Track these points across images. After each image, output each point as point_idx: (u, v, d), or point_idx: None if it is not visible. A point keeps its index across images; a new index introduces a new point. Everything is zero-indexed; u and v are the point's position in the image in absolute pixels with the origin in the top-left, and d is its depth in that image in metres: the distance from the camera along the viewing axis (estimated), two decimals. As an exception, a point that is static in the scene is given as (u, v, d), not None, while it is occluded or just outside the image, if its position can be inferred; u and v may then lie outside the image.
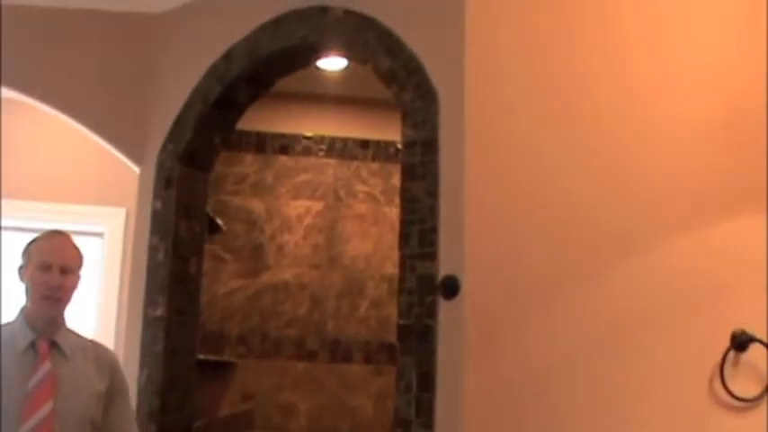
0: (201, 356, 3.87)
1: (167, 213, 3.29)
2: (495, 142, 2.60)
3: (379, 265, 4.44)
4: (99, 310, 4.03)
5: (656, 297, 2.54)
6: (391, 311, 4.37)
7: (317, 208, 4.46)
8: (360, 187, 4.50)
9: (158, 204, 3.32)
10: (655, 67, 2.67)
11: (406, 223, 2.66)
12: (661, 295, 2.54)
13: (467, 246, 2.52)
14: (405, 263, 2.64)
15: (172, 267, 3.25)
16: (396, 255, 4.48)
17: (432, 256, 2.57)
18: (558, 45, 2.64)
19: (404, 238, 2.66)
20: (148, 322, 3.25)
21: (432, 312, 2.54)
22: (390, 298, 4.38)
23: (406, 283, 2.62)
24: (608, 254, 2.57)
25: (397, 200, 4.65)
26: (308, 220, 4.44)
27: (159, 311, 3.22)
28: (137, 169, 3.49)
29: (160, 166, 3.36)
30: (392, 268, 4.41)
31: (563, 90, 2.63)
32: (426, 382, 2.51)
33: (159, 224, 3.30)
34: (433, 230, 2.59)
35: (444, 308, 2.53)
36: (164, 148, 3.37)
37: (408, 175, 2.69)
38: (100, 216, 4.08)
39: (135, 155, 3.45)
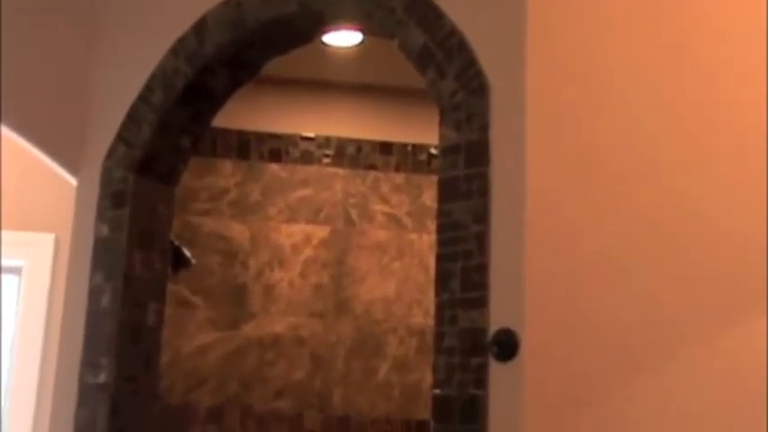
0: (160, 438, 3.91)
1: (116, 242, 3.32)
2: (568, 148, 2.64)
3: (405, 313, 4.47)
4: (11, 376, 4.06)
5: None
6: (421, 377, 4.38)
7: (320, 235, 4.49)
8: (378, 207, 4.54)
9: (103, 229, 3.36)
10: (732, 57, 2.74)
11: (444, 258, 2.68)
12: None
13: (528, 290, 2.55)
14: (442, 312, 2.66)
15: (121, 317, 3.27)
16: (428, 300, 4.49)
17: (480, 303, 2.59)
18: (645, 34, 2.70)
19: (441, 278, 2.68)
20: (86, 394, 3.26)
21: (480, 380, 2.55)
22: (420, 358, 4.39)
23: (445, 339, 2.64)
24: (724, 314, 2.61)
25: (429, 224, 4.81)
26: (307, 252, 4.47)
27: (102, 378, 3.24)
28: (72, 180, 3.52)
29: (106, 177, 3.40)
30: (422, 317, 4.43)
31: (652, 87, 2.69)
32: (473, 477, 2.52)
33: (104, 257, 3.33)
34: (482, 269, 2.61)
35: (497, 373, 2.55)
36: (111, 153, 3.41)
37: (447, 191, 2.71)
38: (17, 244, 4.12)
39: (69, 160, 3.49)
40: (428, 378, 4.27)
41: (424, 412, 4.28)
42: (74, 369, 3.31)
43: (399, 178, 4.56)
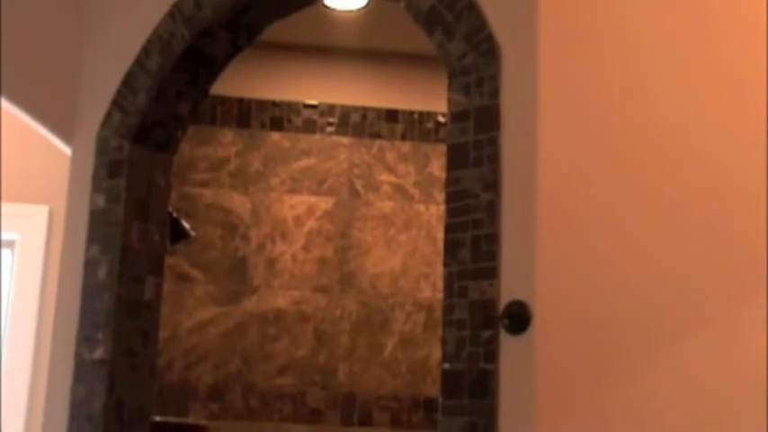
0: (159, 418, 3.88)
1: (113, 213, 3.32)
2: (581, 114, 2.62)
3: (412, 287, 4.47)
4: (5, 352, 4.07)
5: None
6: (429, 353, 4.39)
7: (323, 206, 4.49)
8: (384, 177, 4.53)
9: (99, 200, 3.35)
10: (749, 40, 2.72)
11: (453, 228, 2.67)
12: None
13: (539, 260, 2.54)
14: (451, 283, 2.65)
15: (118, 291, 3.27)
16: (436, 273, 4.51)
17: (490, 273, 2.59)
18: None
19: (450, 248, 2.67)
20: (83, 369, 3.27)
21: (490, 353, 2.55)
22: (428, 334, 4.39)
23: (454, 311, 2.63)
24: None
25: (437, 195, 4.81)
26: (310, 224, 4.47)
27: (99, 354, 3.24)
28: (66, 150, 3.51)
29: (101, 146, 3.39)
30: (430, 291, 4.43)
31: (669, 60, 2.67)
32: (482, 454, 2.52)
33: (101, 229, 3.33)
34: (492, 238, 2.60)
35: (508, 347, 2.54)
36: (107, 121, 3.40)
37: (456, 159, 2.70)
38: (10, 217, 4.13)
39: (63, 128, 3.48)
40: (436, 354, 4.29)
41: (432, 389, 4.29)
42: (70, 344, 3.31)
43: (406, 147, 4.56)
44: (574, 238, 2.58)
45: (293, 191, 4.49)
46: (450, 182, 2.70)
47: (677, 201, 2.63)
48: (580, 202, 2.59)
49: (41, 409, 3.33)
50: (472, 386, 2.57)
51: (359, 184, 4.53)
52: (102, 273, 3.30)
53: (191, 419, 4.29)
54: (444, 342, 2.65)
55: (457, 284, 2.65)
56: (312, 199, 4.50)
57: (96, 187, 3.37)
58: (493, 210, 2.61)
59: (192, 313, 4.38)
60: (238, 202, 4.47)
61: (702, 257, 2.60)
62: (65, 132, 3.48)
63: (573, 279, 2.56)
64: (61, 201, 3.53)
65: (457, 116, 2.72)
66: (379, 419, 4.39)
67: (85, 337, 3.29)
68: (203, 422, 4.29)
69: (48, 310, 3.72)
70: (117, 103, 3.39)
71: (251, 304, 4.41)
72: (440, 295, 3.98)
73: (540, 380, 2.51)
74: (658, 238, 2.59)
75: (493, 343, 2.56)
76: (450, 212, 2.69)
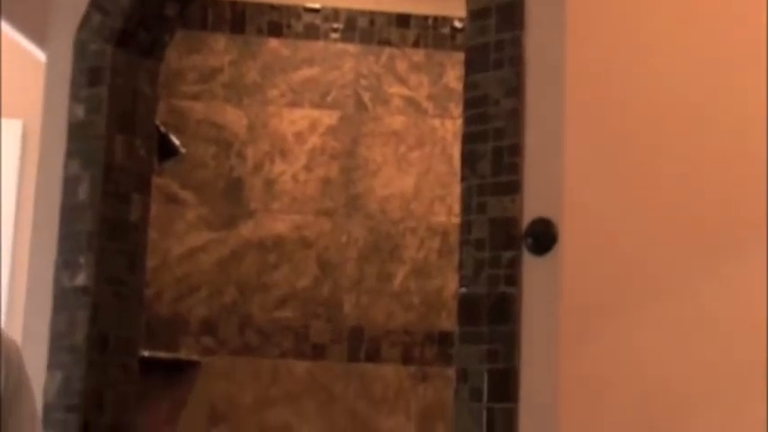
0: (147, 353, 3.90)
1: (93, 125, 3.30)
2: (613, 9, 2.60)
3: (425, 210, 4.46)
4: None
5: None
6: (444, 283, 4.39)
7: (327, 121, 4.47)
8: (394, 89, 4.50)
9: (78, 111, 3.33)
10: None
11: (471, 138, 2.68)
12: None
13: (567, 173, 2.54)
14: (469, 199, 2.66)
15: (101, 211, 3.26)
16: (452, 195, 4.50)
17: (512, 188, 2.59)
18: None
19: (468, 160, 2.68)
20: (63, 297, 3.27)
21: (512, 276, 2.56)
22: (443, 262, 4.39)
23: (472, 230, 2.64)
24: None
25: (453, 108, 4.77)
26: (313, 141, 4.46)
27: (81, 280, 3.24)
28: (40, 55, 3.49)
29: (80, 51, 3.36)
30: (445, 215, 4.43)
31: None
32: (503, 386, 2.54)
33: (80, 142, 3.32)
34: (515, 149, 2.60)
35: (531, 268, 2.55)
36: (85, 22, 3.36)
37: (475, 62, 2.69)
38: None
39: (35, 30, 3.46)
40: (452, 284, 4.28)
41: (447, 322, 4.29)
42: (48, 270, 3.31)
43: (418, 55, 4.51)
44: (605, 149, 2.58)
45: (293, 104, 4.46)
46: (468, 87, 2.71)
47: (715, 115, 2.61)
48: (612, 109, 2.58)
49: (19, 340, 3.32)
50: (492, 312, 2.59)
51: (366, 97, 4.49)
52: (83, 191, 3.29)
53: (182, 355, 4.31)
54: (461, 264, 2.67)
55: (476, 200, 2.65)
56: (314, 113, 4.46)
57: (75, 97, 3.34)
58: (515, 118, 2.60)
59: (182, 239, 4.38)
60: (233, 117, 4.44)
61: (735, 179, 2.58)
62: (37, 35, 3.47)
63: (603, 195, 2.57)
64: (36, 114, 3.53)
65: (476, 14, 2.71)
66: (389, 355, 4.39)
67: (65, 263, 3.29)
68: (196, 358, 4.33)
69: (23, 233, 3.72)
70: (96, 3, 3.36)
71: (247, 229, 4.40)
72: (456, 219, 3.96)
73: (566, 305, 2.53)
74: (696, 152, 2.57)
75: (515, 265, 2.57)
76: (469, 121, 2.70)
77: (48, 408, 3.20)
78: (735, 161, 2.56)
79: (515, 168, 2.59)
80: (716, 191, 2.55)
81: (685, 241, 2.53)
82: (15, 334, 3.41)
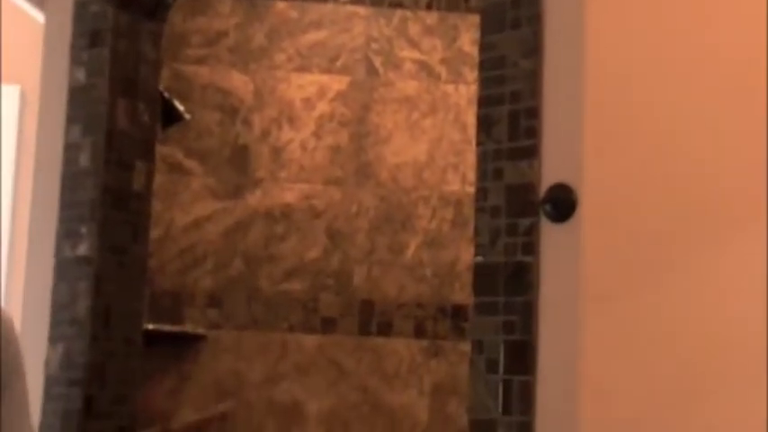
0: (151, 326, 3.92)
1: (95, 90, 3.29)
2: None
3: (438, 179, 4.45)
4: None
5: None
6: (458, 255, 4.39)
7: (336, 87, 4.46)
8: (407, 53, 4.49)
9: (79, 75, 3.33)
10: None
11: (487, 101, 2.67)
12: None
13: (587, 137, 2.54)
14: (485, 165, 2.65)
15: (104, 179, 3.26)
16: (466, 163, 4.48)
17: (530, 153, 2.58)
18: None
19: (484, 124, 2.67)
20: (64, 268, 3.27)
21: (529, 244, 2.56)
22: (457, 232, 4.39)
23: (488, 197, 2.63)
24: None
25: (468, 73, 4.74)
26: (322, 107, 4.45)
27: (82, 250, 3.24)
28: (39, 16, 3.50)
29: (80, 12, 3.35)
30: (459, 184, 4.42)
31: None
32: (520, 358, 2.54)
33: (82, 107, 3.31)
34: (533, 113, 2.59)
35: (550, 236, 2.55)
36: (86, -17, 3.36)
37: (491, 21, 2.68)
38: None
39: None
40: (466, 256, 4.28)
41: (461, 295, 4.30)
42: (49, 240, 3.31)
43: (431, 18, 4.49)
44: (626, 113, 2.56)
45: (302, 69, 4.45)
46: (484, 48, 2.69)
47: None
48: (636, 69, 2.56)
49: (19, 312, 3.34)
50: (508, 281, 2.58)
51: (377, 62, 4.48)
52: (84, 158, 3.29)
53: (187, 329, 4.31)
54: (477, 232, 2.67)
55: (491, 166, 2.64)
56: (323, 78, 4.45)
57: (75, 60, 3.34)
58: (534, 79, 2.60)
59: (187, 209, 4.37)
60: (239, 82, 4.43)
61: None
62: (37, -4, 3.47)
63: (625, 159, 2.55)
64: (34, 79, 3.52)
65: (492, -28, 2.70)
66: (401, 329, 4.39)
67: (67, 232, 3.29)
68: (201, 332, 4.33)
69: (23, 202, 3.73)
70: (97, -38, 3.36)
71: (254, 199, 4.40)
72: (470, 188, 3.96)
73: (585, 274, 2.52)
74: (724, 110, 2.56)
75: (532, 232, 2.57)
76: (485, 83, 2.69)
77: (49, 381, 3.21)
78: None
79: (533, 132, 2.58)
80: (741, 158, 2.54)
81: (709, 208, 2.51)
82: (15, 305, 3.44)
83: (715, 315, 2.46)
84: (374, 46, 4.48)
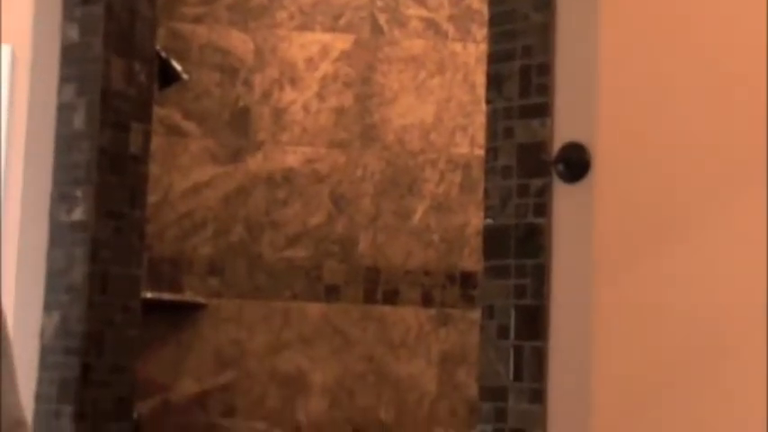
0: (149, 294, 3.93)
1: (89, 48, 3.29)
2: None
3: (446, 141, 4.46)
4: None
5: None
6: (466, 220, 4.40)
7: (340, 46, 4.46)
8: (413, 10, 4.49)
9: (72, 32, 3.32)
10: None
11: (497, 57, 2.66)
12: None
13: (602, 95, 2.53)
14: (495, 124, 2.65)
15: (100, 141, 3.26)
16: (474, 125, 4.49)
17: (541, 111, 2.58)
18: None
19: (494, 81, 2.66)
20: (59, 233, 3.28)
21: (541, 205, 2.56)
22: (465, 197, 4.41)
23: (498, 157, 2.63)
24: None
25: (476, 31, 4.72)
26: (325, 68, 4.45)
27: (78, 214, 3.25)
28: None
29: (74, -33, 3.34)
30: (467, 147, 4.42)
31: None
32: (532, 323, 2.55)
33: (75, 66, 3.31)
34: (545, 69, 2.59)
35: (562, 197, 2.55)
36: (79, -66, 3.35)
37: (501, -27, 2.68)
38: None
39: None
40: (475, 221, 4.29)
41: (470, 261, 4.31)
42: (43, 204, 3.32)
43: (439, -26, 4.49)
44: (642, 69, 2.55)
45: (304, 27, 4.45)
46: (493, 2, 2.69)
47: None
48: (651, 24, 2.55)
49: (12, 279, 3.35)
50: (519, 244, 2.59)
51: (382, 19, 4.48)
52: (78, 119, 3.29)
53: (187, 297, 4.33)
54: (487, 194, 2.66)
55: (502, 125, 2.64)
56: (327, 37, 4.45)
57: (68, 16, 3.33)
58: (545, 34, 2.59)
59: (186, 173, 4.38)
60: (238, 41, 4.42)
61: None
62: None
63: (640, 118, 2.55)
64: (26, 37, 3.51)
65: None
66: (408, 297, 4.41)
67: (61, 196, 3.29)
68: (201, 300, 4.34)
69: (15, 165, 3.72)
70: None
71: (255, 163, 4.41)
72: (479, 151, 3.97)
73: (599, 236, 2.52)
74: (740, 68, 2.56)
75: (544, 193, 2.57)
76: (494, 39, 2.68)
77: (45, 350, 3.22)
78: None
79: (545, 89, 2.58)
80: (757, 118, 2.55)
81: (725, 169, 2.51)
82: (8, 272, 3.44)
83: (733, 276, 2.47)
84: (379, 3, 4.48)
